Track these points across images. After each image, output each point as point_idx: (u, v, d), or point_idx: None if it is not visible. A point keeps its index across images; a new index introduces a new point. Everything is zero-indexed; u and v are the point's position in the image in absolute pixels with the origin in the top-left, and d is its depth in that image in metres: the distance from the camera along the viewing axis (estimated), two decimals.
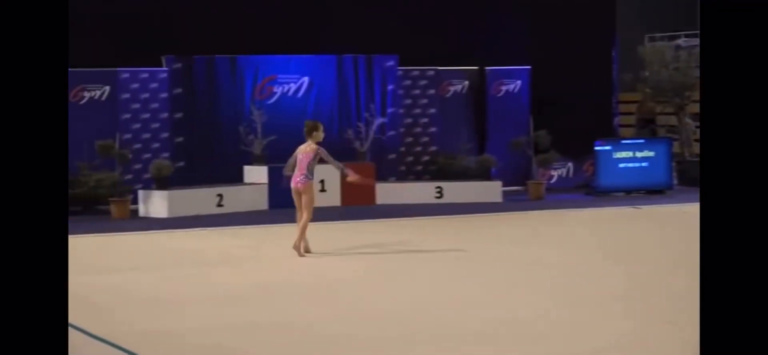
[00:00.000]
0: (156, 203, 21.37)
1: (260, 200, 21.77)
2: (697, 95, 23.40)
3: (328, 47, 24.43)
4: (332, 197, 22.86)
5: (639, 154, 24.50)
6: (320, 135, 15.34)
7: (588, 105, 26.42)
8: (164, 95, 23.20)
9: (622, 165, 24.39)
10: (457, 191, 23.46)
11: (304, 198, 15.05)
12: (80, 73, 22.47)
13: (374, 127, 23.91)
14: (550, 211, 21.33)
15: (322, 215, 20.54)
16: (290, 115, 23.15)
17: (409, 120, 25.45)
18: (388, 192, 23.39)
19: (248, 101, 23.66)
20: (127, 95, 22.90)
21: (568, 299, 11.07)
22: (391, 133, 24.72)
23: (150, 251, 16.22)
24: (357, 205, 22.51)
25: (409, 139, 25.44)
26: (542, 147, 24.78)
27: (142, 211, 21.60)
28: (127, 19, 23.07)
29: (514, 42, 26.07)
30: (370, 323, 9.95)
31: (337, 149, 23.64)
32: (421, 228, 18.66)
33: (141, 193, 21.83)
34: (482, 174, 24.01)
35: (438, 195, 23.47)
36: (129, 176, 22.43)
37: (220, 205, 21.79)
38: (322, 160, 15.35)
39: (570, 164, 26.52)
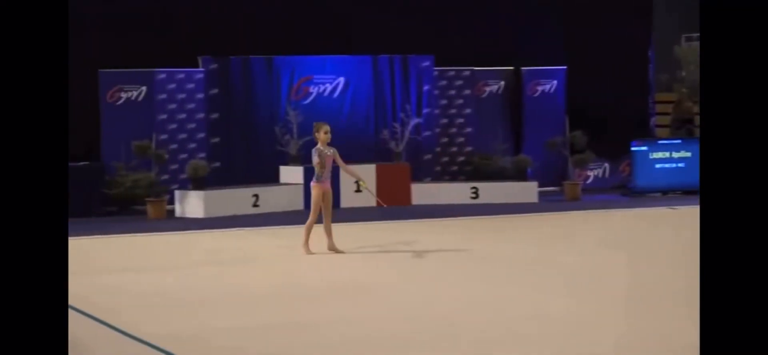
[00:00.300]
0: (192, 204, 21.44)
1: (296, 201, 21.79)
2: None
3: (363, 47, 24.45)
4: (368, 198, 22.84)
5: (675, 155, 24.39)
6: (320, 136, 15.22)
7: (624, 105, 26.33)
8: (200, 96, 23.28)
9: (658, 165, 24.28)
10: (492, 191, 23.41)
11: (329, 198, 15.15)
12: (117, 73, 22.62)
13: (410, 127, 23.90)
14: (586, 211, 21.23)
15: (357, 215, 20.60)
16: (326, 115, 23.09)
17: (445, 120, 25.43)
18: (423, 192, 23.38)
19: (284, 102, 23.71)
20: (163, 96, 22.99)
21: (603, 298, 11.02)
22: (427, 133, 24.71)
23: (185, 251, 16.26)
24: (392, 205, 22.49)
25: (445, 140, 25.43)
26: (578, 147, 24.71)
27: (178, 211, 21.68)
28: (164, 20, 23.16)
29: (550, 42, 26.01)
30: (403, 322, 9.94)
31: (373, 150, 23.77)
32: (457, 229, 18.63)
33: (177, 193, 21.90)
34: (518, 174, 23.95)
35: (473, 195, 23.43)
36: (165, 177, 22.52)
37: (255, 205, 21.85)
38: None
39: (606, 165, 26.44)
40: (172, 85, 23.09)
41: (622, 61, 26.44)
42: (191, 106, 23.20)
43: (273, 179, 22.81)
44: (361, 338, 9.25)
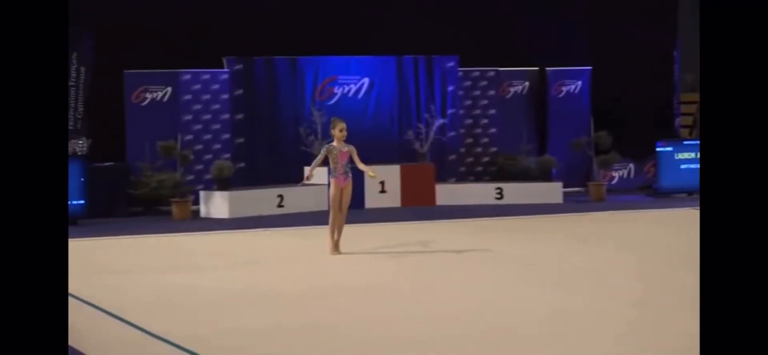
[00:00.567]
0: (217, 204, 21.48)
1: (321, 201, 21.78)
2: None
3: (388, 48, 24.45)
4: (392, 198, 22.89)
5: None
6: (335, 133, 15.27)
7: (649, 106, 26.26)
8: (225, 96, 23.33)
9: (683, 166, 24.20)
10: (517, 191, 23.38)
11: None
12: (142, 74, 22.69)
13: (434, 128, 23.89)
14: (611, 212, 21.17)
15: (382, 215, 20.60)
16: (350, 116, 23.10)
17: (470, 121, 25.42)
18: (447, 193, 23.37)
19: (309, 102, 23.74)
20: (188, 96, 23.05)
21: (629, 300, 10.99)
22: (452, 134, 24.70)
23: (209, 252, 16.29)
24: (417, 206, 22.51)
25: (470, 140, 25.41)
26: (603, 148, 24.65)
27: (203, 211, 21.73)
28: (189, 21, 23.23)
29: (575, 43, 25.97)
30: (428, 323, 9.93)
31: (398, 150, 23.78)
32: (481, 229, 18.61)
33: (202, 194, 21.96)
34: (543, 175, 23.91)
35: (498, 196, 23.40)
36: (190, 177, 22.57)
37: (280, 205, 21.88)
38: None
39: (631, 165, 26.37)
40: (197, 86, 23.15)
41: (647, 62, 26.38)
42: (216, 106, 23.26)
43: (297, 179, 22.82)
44: (381, 339, 9.25)
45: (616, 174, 26.22)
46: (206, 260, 15.01)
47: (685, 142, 24.99)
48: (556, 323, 9.75)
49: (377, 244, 16.14)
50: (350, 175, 15.17)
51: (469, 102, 25.42)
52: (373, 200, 22.61)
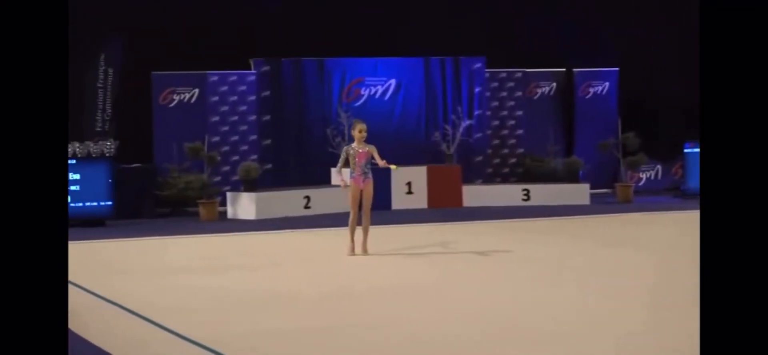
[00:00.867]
0: (244, 205, 21.52)
1: (347, 202, 21.76)
2: None
3: (415, 50, 24.47)
4: (419, 200, 22.89)
5: None
6: (354, 133, 15.30)
7: (677, 107, 26.18)
8: (252, 98, 23.39)
9: None
10: (544, 193, 23.35)
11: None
12: (170, 76, 22.77)
13: (461, 129, 23.89)
14: (639, 213, 21.09)
15: (408, 217, 20.59)
16: (377, 117, 23.20)
17: (496, 122, 25.41)
18: (474, 194, 23.36)
19: (335, 104, 23.78)
20: (215, 98, 23.12)
21: (653, 302, 10.96)
22: (478, 135, 24.69)
23: (236, 253, 16.31)
24: (443, 207, 22.51)
25: (496, 142, 25.40)
26: (631, 149, 24.59)
27: (230, 213, 21.78)
28: (216, 23, 23.29)
29: (602, 44, 25.92)
30: (450, 324, 9.92)
31: (424, 151, 23.78)
32: (508, 230, 18.57)
33: (229, 195, 22.01)
34: (570, 176, 23.87)
35: (525, 197, 23.37)
36: (217, 178, 22.63)
37: (307, 207, 21.90)
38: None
39: (659, 166, 26.30)
40: (224, 88, 23.21)
41: (674, 63, 26.29)
42: (243, 108, 23.32)
43: (324, 180, 22.85)
44: (410, 339, 9.25)
45: (643, 175, 26.16)
46: (233, 261, 15.02)
47: None
48: (573, 324, 9.72)
49: (403, 245, 16.13)
50: (370, 176, 15.16)
51: (495, 103, 25.41)
52: (399, 201, 22.62)
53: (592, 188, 23.67)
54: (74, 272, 13.31)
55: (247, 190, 21.64)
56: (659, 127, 25.52)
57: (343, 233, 15.71)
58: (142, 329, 9.93)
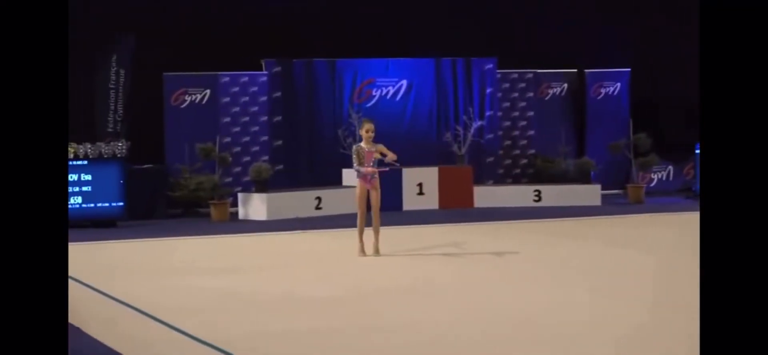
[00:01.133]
0: (255, 206, 21.55)
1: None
2: None
3: (426, 50, 24.48)
4: (430, 200, 22.89)
5: None
6: (362, 133, 15.31)
7: (688, 107, 26.12)
8: (264, 99, 23.41)
9: None
10: (555, 194, 23.34)
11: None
12: (181, 77, 22.81)
13: (472, 130, 23.89)
14: (650, 214, 21.07)
15: (419, 217, 20.59)
16: (388, 118, 23.22)
17: (508, 123, 25.41)
18: (486, 195, 23.35)
19: (347, 104, 23.80)
20: (227, 99, 23.15)
21: (664, 303, 10.95)
22: (490, 136, 24.69)
23: (247, 254, 16.33)
24: (455, 208, 22.51)
25: (508, 142, 25.40)
26: (642, 150, 24.56)
27: (241, 213, 21.80)
28: (227, 24, 23.33)
29: (614, 44, 25.90)
30: (459, 326, 9.93)
31: (436, 152, 23.80)
32: (519, 231, 18.57)
33: (240, 195, 22.03)
34: (581, 177, 23.85)
35: (536, 198, 23.36)
36: (228, 179, 22.66)
37: (318, 208, 21.92)
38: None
39: (670, 167, 26.26)
40: (236, 88, 23.24)
41: (686, 64, 26.23)
42: (254, 109, 23.34)
43: (336, 181, 22.87)
44: (419, 341, 9.25)
45: (655, 176, 26.13)
46: (244, 262, 15.04)
47: None
48: (575, 324, 9.72)
49: (414, 246, 16.14)
50: (378, 176, 15.17)
51: (507, 104, 25.41)
52: (411, 202, 22.63)
53: (603, 189, 23.66)
54: (84, 272, 13.35)
55: (259, 191, 21.66)
56: (671, 128, 25.48)
57: (354, 233, 15.72)
58: (152, 328, 9.95)
